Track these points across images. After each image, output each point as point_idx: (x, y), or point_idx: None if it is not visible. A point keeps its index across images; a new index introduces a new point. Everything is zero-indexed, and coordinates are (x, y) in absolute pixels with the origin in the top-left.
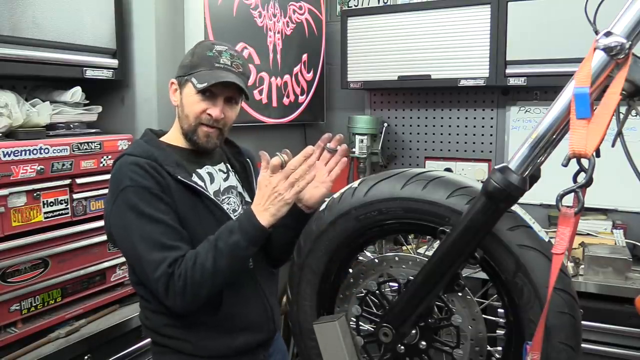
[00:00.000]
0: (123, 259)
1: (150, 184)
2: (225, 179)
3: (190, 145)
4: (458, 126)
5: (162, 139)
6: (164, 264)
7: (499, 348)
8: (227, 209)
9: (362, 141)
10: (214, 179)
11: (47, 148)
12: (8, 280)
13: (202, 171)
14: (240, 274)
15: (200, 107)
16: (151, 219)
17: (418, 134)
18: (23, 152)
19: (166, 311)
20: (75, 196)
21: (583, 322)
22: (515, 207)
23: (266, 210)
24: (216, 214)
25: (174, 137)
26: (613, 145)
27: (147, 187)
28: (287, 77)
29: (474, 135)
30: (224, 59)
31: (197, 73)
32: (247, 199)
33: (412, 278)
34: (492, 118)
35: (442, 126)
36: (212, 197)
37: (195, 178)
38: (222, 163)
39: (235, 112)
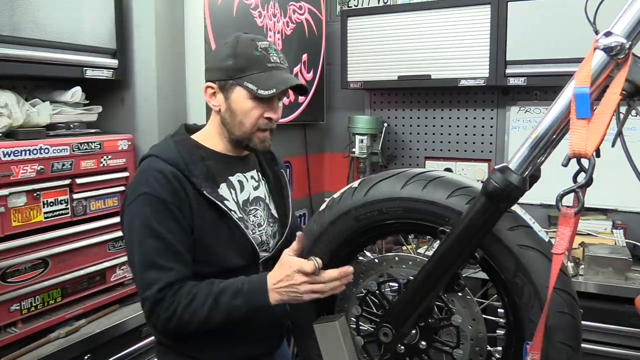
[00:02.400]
0: (123, 259)
1: (169, 196)
2: (256, 188)
3: (234, 149)
4: (458, 126)
5: (196, 137)
6: (153, 287)
7: (499, 348)
8: (253, 221)
9: (362, 141)
10: (244, 187)
11: (47, 148)
12: (8, 280)
13: (234, 178)
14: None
15: (257, 113)
16: (154, 234)
17: (418, 134)
18: (23, 152)
19: None
20: (75, 196)
21: (583, 322)
22: (515, 207)
23: (279, 293)
24: (236, 235)
25: (210, 139)
26: (613, 145)
27: (164, 200)
28: None
29: (474, 135)
30: (273, 57)
31: (251, 76)
32: (274, 212)
33: (412, 278)
34: (492, 118)
35: (442, 126)
36: (236, 218)
37: (223, 188)
38: (255, 170)
39: (281, 109)
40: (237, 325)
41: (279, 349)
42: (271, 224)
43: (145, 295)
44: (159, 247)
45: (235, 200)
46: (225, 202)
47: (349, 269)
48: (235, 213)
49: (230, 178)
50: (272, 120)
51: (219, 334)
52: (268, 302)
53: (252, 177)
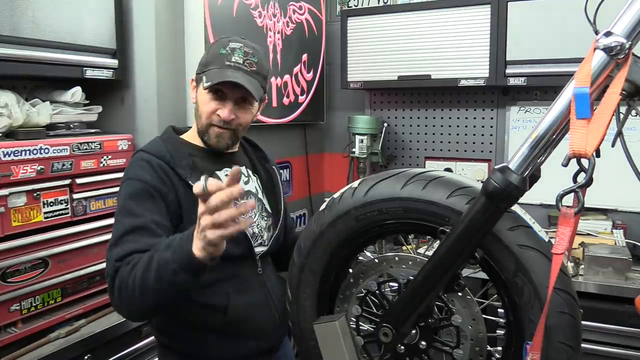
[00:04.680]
0: None
1: (150, 180)
2: (246, 183)
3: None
4: (458, 126)
5: (183, 136)
6: (112, 260)
7: (499, 348)
8: (244, 214)
9: (362, 141)
10: None
11: (47, 148)
12: (8, 280)
13: (221, 173)
14: (176, 301)
15: (210, 107)
16: (129, 212)
17: (418, 134)
18: (23, 152)
19: (173, 312)
20: (75, 196)
21: (583, 322)
22: (515, 207)
23: (198, 239)
24: None
25: (195, 136)
26: (613, 145)
27: (145, 181)
28: (287, 77)
29: (474, 135)
30: (236, 57)
31: (208, 71)
32: (268, 207)
33: (412, 278)
34: (492, 118)
35: (442, 126)
36: None
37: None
38: (244, 167)
39: (249, 114)
40: (180, 298)
41: (281, 350)
42: (265, 218)
43: (107, 272)
44: (132, 224)
45: None
46: None
47: (236, 168)
48: None
49: (218, 173)
50: (221, 118)
51: (218, 332)
52: (191, 251)
53: (241, 173)
